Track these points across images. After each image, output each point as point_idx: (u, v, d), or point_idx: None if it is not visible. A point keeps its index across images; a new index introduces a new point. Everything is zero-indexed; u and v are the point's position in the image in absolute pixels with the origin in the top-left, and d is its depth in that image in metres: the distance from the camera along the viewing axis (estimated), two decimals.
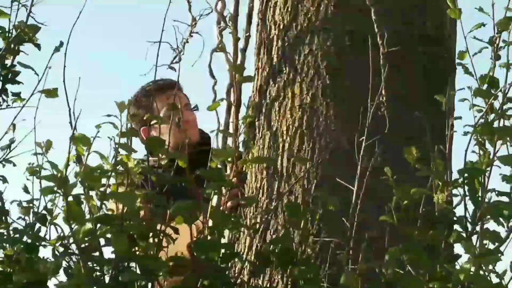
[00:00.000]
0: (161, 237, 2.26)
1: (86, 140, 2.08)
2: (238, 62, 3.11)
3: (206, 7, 3.33)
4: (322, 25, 2.94)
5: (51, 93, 2.35)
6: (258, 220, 2.81)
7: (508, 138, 2.34)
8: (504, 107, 2.38)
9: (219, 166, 2.34)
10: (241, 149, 3.04)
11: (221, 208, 2.49)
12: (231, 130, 3.01)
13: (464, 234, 2.38)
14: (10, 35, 2.46)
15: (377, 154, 2.55)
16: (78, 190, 2.11)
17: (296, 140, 2.90)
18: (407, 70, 2.90)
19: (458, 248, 2.47)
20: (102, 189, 2.08)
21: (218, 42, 3.13)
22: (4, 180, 2.47)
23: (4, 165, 2.34)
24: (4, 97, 2.53)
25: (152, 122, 3.33)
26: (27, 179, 2.35)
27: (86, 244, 2.09)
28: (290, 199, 2.81)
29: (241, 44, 3.16)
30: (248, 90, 3.07)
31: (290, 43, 2.98)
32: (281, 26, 3.01)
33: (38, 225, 2.33)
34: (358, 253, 2.49)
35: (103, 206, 2.12)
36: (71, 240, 2.18)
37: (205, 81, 3.16)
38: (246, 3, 3.17)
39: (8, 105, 2.47)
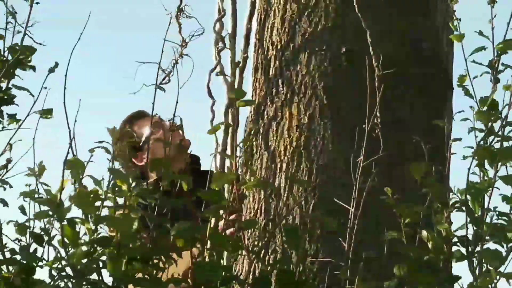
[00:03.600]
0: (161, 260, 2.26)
1: (80, 165, 2.08)
2: (236, 83, 3.12)
3: (199, 27, 3.34)
4: (319, 45, 2.94)
5: (47, 113, 2.35)
6: (256, 241, 2.82)
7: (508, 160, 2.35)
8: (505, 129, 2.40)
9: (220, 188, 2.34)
10: (239, 170, 3.04)
11: (219, 229, 2.49)
12: (228, 151, 3.01)
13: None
14: (4, 57, 2.47)
15: (373, 175, 2.56)
16: (74, 212, 2.12)
17: (293, 160, 2.90)
18: (403, 90, 2.90)
19: (457, 269, 2.49)
20: (97, 212, 2.08)
21: (216, 63, 3.14)
22: (4, 204, 2.47)
23: (4, 189, 2.34)
24: (0, 118, 2.53)
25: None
26: (24, 200, 2.35)
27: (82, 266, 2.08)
28: (287, 219, 2.81)
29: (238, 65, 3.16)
30: (245, 110, 3.07)
31: (287, 63, 2.99)
32: (278, 47, 3.02)
33: (34, 245, 2.33)
34: (356, 273, 2.49)
35: (99, 228, 2.12)
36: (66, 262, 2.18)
37: (202, 101, 3.16)
38: (243, 24, 3.17)
39: (4, 127, 2.48)
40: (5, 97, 2.41)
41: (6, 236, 2.37)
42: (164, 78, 3.25)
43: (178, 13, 3.39)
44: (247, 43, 3.17)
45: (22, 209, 2.35)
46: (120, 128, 3.89)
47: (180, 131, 3.59)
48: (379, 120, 2.59)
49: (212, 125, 3.14)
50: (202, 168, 3.86)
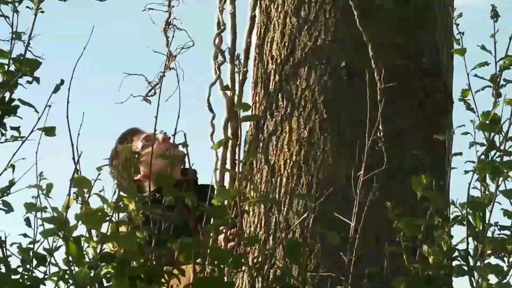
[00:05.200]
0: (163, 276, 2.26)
1: (87, 183, 2.08)
2: (236, 97, 3.12)
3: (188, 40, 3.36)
4: (319, 59, 2.95)
5: (49, 132, 2.35)
6: (256, 253, 2.81)
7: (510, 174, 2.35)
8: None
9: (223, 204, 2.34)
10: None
11: (218, 244, 2.49)
12: (228, 165, 3.01)
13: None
14: (8, 69, 2.46)
15: (374, 189, 2.56)
16: (78, 231, 2.12)
17: (293, 174, 2.91)
18: (403, 104, 2.91)
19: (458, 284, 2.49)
20: (103, 230, 2.08)
21: (216, 77, 3.14)
22: (10, 209, 2.44)
23: (6, 212, 2.33)
24: (3, 131, 2.52)
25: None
26: (30, 213, 2.34)
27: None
28: (288, 234, 2.81)
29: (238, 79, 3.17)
30: (245, 125, 3.07)
31: (287, 77, 2.99)
32: (278, 61, 3.03)
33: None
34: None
35: (104, 246, 2.12)
36: (70, 281, 2.18)
37: (201, 114, 3.16)
38: (243, 38, 3.18)
39: (7, 139, 2.47)
40: (9, 110, 2.40)
41: (9, 250, 2.36)
42: (150, 91, 3.27)
43: (166, 26, 3.40)
44: (246, 57, 3.18)
45: (27, 222, 2.34)
46: (115, 146, 3.89)
47: (180, 145, 3.62)
48: (381, 134, 2.60)
49: (212, 139, 3.14)
50: (200, 182, 3.85)
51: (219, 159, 3.07)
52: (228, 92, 3.11)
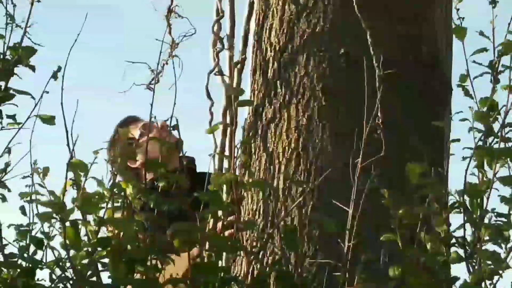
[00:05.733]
0: (159, 261, 2.26)
1: (83, 166, 2.08)
2: (234, 84, 3.11)
3: (190, 28, 3.35)
4: (318, 46, 2.94)
5: (48, 120, 2.34)
6: (255, 241, 2.81)
7: (508, 160, 2.35)
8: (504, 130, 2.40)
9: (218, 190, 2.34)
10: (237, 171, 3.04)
11: (218, 231, 2.49)
12: (227, 152, 3.00)
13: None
14: (4, 57, 2.46)
15: (373, 176, 2.56)
16: (75, 215, 2.12)
17: (292, 161, 2.90)
18: (402, 93, 2.91)
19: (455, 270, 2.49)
20: (100, 214, 2.08)
21: (214, 64, 3.13)
22: (3, 199, 2.45)
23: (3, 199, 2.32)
24: None
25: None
26: (25, 201, 2.34)
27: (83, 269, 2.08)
28: (286, 221, 2.81)
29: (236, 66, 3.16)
30: (244, 112, 3.07)
31: (286, 64, 2.99)
32: (277, 48, 3.02)
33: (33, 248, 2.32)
34: (354, 275, 2.50)
35: (101, 231, 2.12)
36: (68, 264, 2.18)
37: (201, 102, 3.16)
38: (242, 25, 3.17)
39: (3, 127, 2.47)
40: (4, 97, 2.40)
41: (5, 239, 2.36)
42: (153, 79, 3.26)
43: (168, 14, 3.39)
44: (245, 44, 3.17)
45: (22, 210, 2.35)
46: (113, 133, 3.89)
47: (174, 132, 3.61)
48: (380, 121, 2.60)
49: (210, 125, 3.14)
50: (198, 170, 3.85)
51: (218, 146, 3.06)
52: (227, 80, 3.11)
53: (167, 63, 2.92)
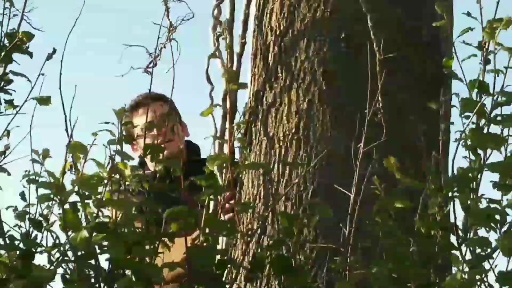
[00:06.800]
0: (156, 244, 2.26)
1: (82, 148, 2.07)
2: (234, 68, 3.10)
3: (188, 12, 3.34)
4: (318, 31, 2.93)
5: (45, 101, 2.34)
6: (255, 226, 2.81)
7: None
8: (494, 112, 2.36)
9: (214, 171, 2.33)
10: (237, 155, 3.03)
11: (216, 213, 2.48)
12: (226, 137, 3.00)
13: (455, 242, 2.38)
14: (2, 43, 2.45)
15: (374, 162, 2.55)
16: (74, 197, 2.11)
17: (292, 146, 2.89)
18: (402, 76, 2.90)
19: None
20: (98, 196, 2.07)
21: (214, 49, 3.13)
22: None
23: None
24: None
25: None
26: (24, 186, 2.34)
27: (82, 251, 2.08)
28: (286, 205, 2.81)
29: (237, 50, 3.15)
30: (245, 96, 3.06)
31: (286, 49, 2.98)
32: (277, 32, 3.01)
33: (33, 231, 2.32)
34: (353, 260, 2.49)
35: (100, 213, 2.12)
36: (67, 247, 2.18)
37: (203, 87, 3.15)
38: (242, 9, 3.16)
39: (1, 112, 2.46)
40: (2, 82, 2.39)
41: (5, 222, 2.35)
42: (151, 62, 3.25)
43: None
44: (245, 29, 3.16)
45: (22, 196, 2.34)
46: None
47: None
48: (381, 105, 2.59)
49: None
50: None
51: (218, 131, 3.06)
52: (227, 64, 3.10)
53: (164, 47, 2.90)
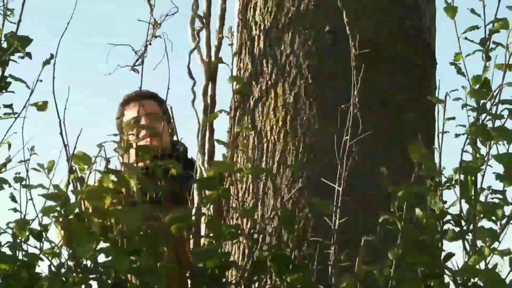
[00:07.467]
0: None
1: (86, 159, 2.04)
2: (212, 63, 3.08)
3: (171, 7, 3.30)
4: (303, 24, 2.92)
5: (41, 106, 2.31)
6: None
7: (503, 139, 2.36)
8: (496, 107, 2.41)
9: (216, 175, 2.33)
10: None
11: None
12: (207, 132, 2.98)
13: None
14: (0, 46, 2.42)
15: (354, 153, 2.56)
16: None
17: (280, 140, 2.89)
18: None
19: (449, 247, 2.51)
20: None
21: (195, 43, 3.10)
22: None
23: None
24: None
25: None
26: (14, 189, 2.33)
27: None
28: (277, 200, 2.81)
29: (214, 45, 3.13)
30: (229, 91, 3.04)
31: (272, 43, 2.96)
32: (262, 27, 2.99)
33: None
34: (344, 253, 2.50)
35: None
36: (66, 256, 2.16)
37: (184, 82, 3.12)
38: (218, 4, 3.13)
39: (0, 116, 2.43)
40: (1, 85, 2.36)
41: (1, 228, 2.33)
42: (137, 60, 3.21)
43: None
44: (221, 24, 3.13)
45: (12, 198, 2.33)
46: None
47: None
48: (356, 100, 2.59)
49: (193, 105, 3.10)
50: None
51: (201, 127, 3.04)
52: (205, 58, 3.07)
53: (150, 44, 2.87)
